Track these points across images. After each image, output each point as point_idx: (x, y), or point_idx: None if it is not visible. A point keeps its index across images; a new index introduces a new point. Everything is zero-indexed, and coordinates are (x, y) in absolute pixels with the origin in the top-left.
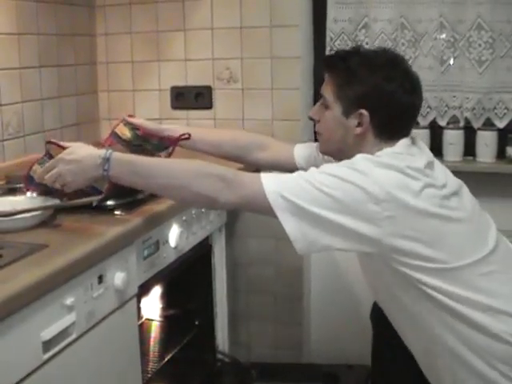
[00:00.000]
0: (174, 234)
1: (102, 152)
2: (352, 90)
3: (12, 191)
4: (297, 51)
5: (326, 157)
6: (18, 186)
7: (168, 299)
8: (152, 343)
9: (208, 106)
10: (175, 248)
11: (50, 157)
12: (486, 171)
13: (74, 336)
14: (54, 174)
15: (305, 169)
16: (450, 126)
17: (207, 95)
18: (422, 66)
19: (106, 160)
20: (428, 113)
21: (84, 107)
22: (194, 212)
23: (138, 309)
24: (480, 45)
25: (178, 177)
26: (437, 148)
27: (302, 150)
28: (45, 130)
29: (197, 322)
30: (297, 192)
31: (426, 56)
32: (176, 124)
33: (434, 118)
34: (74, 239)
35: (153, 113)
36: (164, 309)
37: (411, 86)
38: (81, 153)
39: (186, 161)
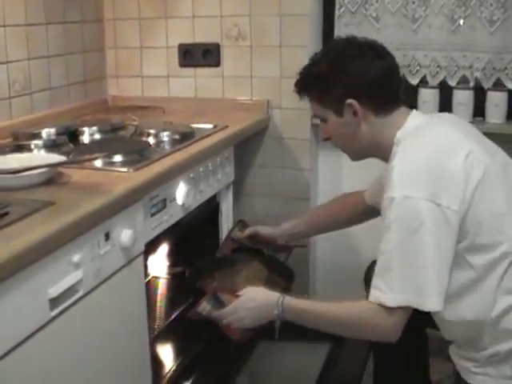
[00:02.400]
0: (181, 191)
1: (277, 300)
2: (329, 93)
3: (19, 148)
4: (305, 8)
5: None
6: (24, 143)
7: (175, 257)
8: (159, 301)
9: (216, 63)
10: (182, 206)
11: (217, 299)
12: (496, 132)
13: (80, 293)
14: (236, 319)
15: (375, 197)
16: (460, 86)
17: (215, 52)
18: (433, 25)
19: (281, 310)
20: (438, 72)
21: (91, 64)
22: (201, 170)
23: (145, 266)
24: (491, 4)
25: (344, 330)
26: (446, 108)
27: (368, 192)
28: (51, 87)
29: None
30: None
31: (437, 15)
32: (184, 81)
33: (444, 78)
34: (81, 196)
35: (160, 70)
36: (171, 267)
37: (375, 52)
38: (259, 300)
39: (350, 311)
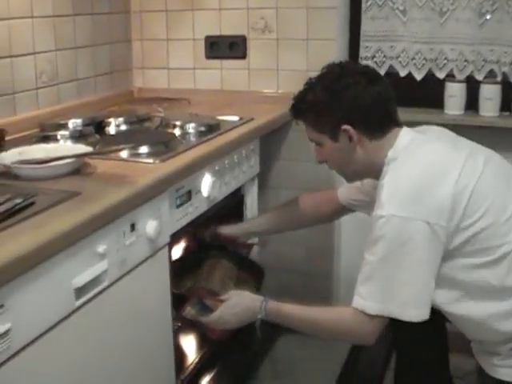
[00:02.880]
0: (206, 183)
1: (260, 305)
2: (324, 119)
3: (46, 139)
4: (333, 1)
5: (365, 181)
6: (51, 134)
7: None
8: None
9: (242, 55)
10: (207, 197)
11: (202, 304)
12: None
13: (105, 283)
14: (222, 323)
15: (353, 200)
16: (487, 80)
17: (241, 45)
18: (460, 19)
19: (264, 314)
20: (465, 67)
21: (117, 56)
22: (226, 162)
23: (170, 257)
24: None
25: (324, 333)
26: (473, 103)
27: (344, 192)
28: (78, 78)
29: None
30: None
31: (464, 9)
32: (210, 73)
33: (471, 72)
34: (107, 187)
35: (186, 62)
36: None
37: (366, 79)
38: (243, 305)
39: (330, 316)
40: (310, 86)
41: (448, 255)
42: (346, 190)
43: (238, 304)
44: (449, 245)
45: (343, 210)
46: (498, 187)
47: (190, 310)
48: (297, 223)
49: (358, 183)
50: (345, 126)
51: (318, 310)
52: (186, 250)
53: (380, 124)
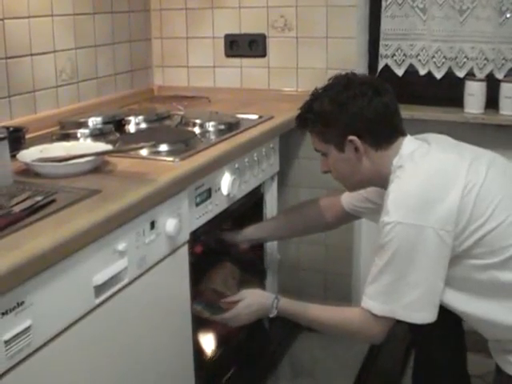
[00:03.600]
0: (226, 181)
1: (271, 303)
2: (330, 130)
3: (66, 137)
4: None
5: (368, 188)
6: (71, 131)
7: None
8: None
9: (262, 53)
10: (227, 196)
11: (209, 303)
12: None
13: (125, 281)
14: (236, 322)
15: (357, 206)
16: (507, 79)
17: (261, 43)
18: (480, 17)
19: (276, 312)
20: (485, 65)
21: (137, 54)
22: (246, 160)
23: (190, 255)
24: None
25: (334, 332)
26: (493, 101)
27: (346, 198)
28: (98, 76)
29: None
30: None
31: (485, 7)
32: (230, 71)
33: (491, 71)
34: (127, 185)
35: (206, 60)
36: None
37: (373, 90)
38: (256, 305)
39: (340, 315)
40: (317, 96)
41: (458, 257)
42: (349, 196)
43: (253, 303)
44: (457, 248)
45: (348, 216)
46: (503, 189)
47: (201, 310)
48: (299, 230)
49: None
50: (351, 137)
51: (327, 309)
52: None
53: (386, 135)
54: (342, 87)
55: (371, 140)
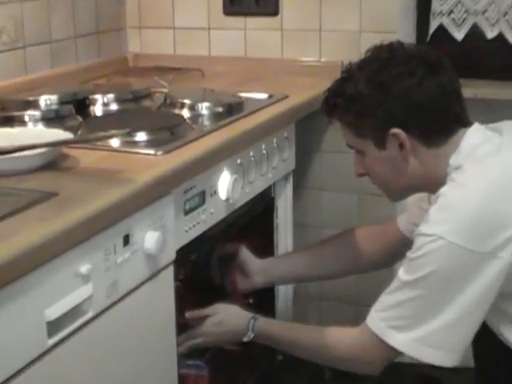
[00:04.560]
0: (224, 182)
1: (247, 323)
2: (367, 120)
3: (8, 121)
4: None
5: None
6: (15, 114)
7: None
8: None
9: (273, 11)
10: (226, 201)
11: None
12: None
13: (89, 314)
14: (202, 343)
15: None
16: None
17: None
18: None
19: (252, 335)
20: None
21: (106, 12)
22: (252, 154)
23: (176, 280)
24: None
25: (323, 357)
26: None
27: (404, 218)
28: (52, 39)
29: (251, 301)
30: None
31: None
32: (230, 34)
33: None
34: (92, 187)
35: (198, 20)
36: None
37: (425, 68)
38: (228, 324)
39: (329, 335)
40: (350, 75)
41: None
42: (409, 214)
43: (225, 322)
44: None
45: (408, 244)
46: None
47: None
48: (340, 270)
49: (422, 199)
50: (394, 130)
51: (316, 328)
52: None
53: (441, 127)
54: (383, 63)
55: (421, 134)
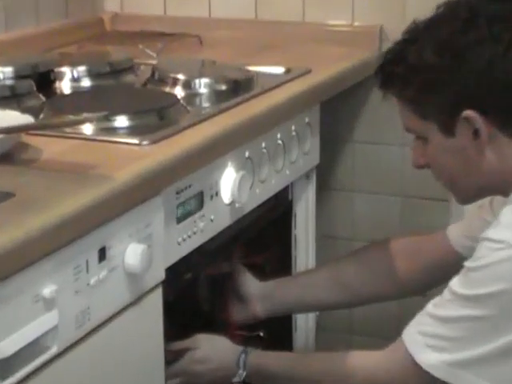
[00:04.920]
0: (229, 180)
1: (237, 359)
2: (433, 97)
3: None
4: None
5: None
6: None
7: None
8: None
9: None
10: (230, 205)
11: None
12: None
13: (53, 350)
14: (184, 381)
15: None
16: None
17: None
18: None
19: (243, 374)
20: None
21: None
22: (264, 145)
23: (165, 305)
24: None
25: None
26: None
27: (457, 229)
28: None
29: (261, 334)
30: None
31: None
32: None
33: None
34: (58, 185)
35: None
36: None
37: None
38: (215, 360)
39: (350, 363)
40: (415, 37)
41: None
42: (461, 227)
43: (208, 358)
44: None
45: (459, 263)
46: None
47: None
48: (370, 294)
49: (482, 206)
50: (467, 113)
51: (330, 356)
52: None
53: None
54: (459, 25)
55: (503, 119)
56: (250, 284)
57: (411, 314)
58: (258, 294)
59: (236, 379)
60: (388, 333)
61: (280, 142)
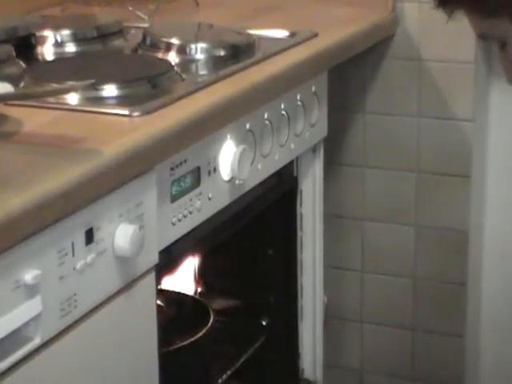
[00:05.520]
0: (228, 155)
1: None
2: None
3: None
4: None
5: None
6: None
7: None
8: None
9: None
10: (230, 182)
11: None
12: None
13: (37, 341)
14: None
15: None
16: None
17: None
18: None
19: None
20: None
21: None
22: (267, 116)
23: (158, 292)
24: None
25: None
26: None
27: None
28: None
29: (264, 323)
30: None
31: None
32: None
33: None
34: (41, 160)
35: None
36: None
37: None
38: None
39: None
40: None
41: None
42: None
43: None
44: None
45: None
46: None
47: None
48: None
49: None
50: None
51: None
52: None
53: None
54: None
55: None
56: None
57: (421, 302)
58: None
59: None
60: (399, 321)
61: (284, 112)
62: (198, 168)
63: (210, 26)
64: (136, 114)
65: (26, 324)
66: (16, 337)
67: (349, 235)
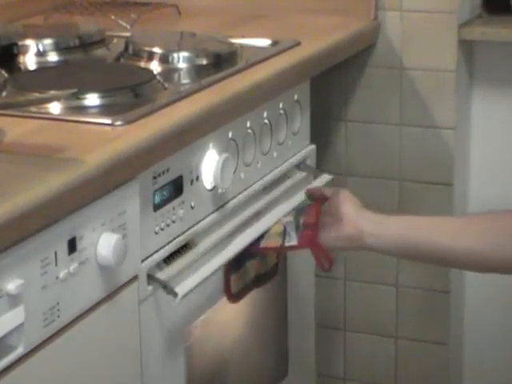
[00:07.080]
0: (210, 164)
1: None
2: None
3: None
4: None
5: None
6: None
7: None
8: None
9: None
10: (212, 191)
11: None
12: None
13: (19, 351)
14: None
15: None
16: None
17: None
18: None
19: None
20: None
21: None
22: (249, 125)
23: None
24: None
25: None
26: None
27: None
28: None
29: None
30: None
31: None
32: None
33: None
34: (23, 169)
35: None
36: None
37: None
38: None
39: None
40: None
41: None
42: None
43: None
44: None
45: None
46: None
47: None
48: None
49: None
50: None
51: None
52: None
53: None
54: None
55: None
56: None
57: (405, 310)
58: (362, 215)
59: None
60: (382, 329)
61: (266, 121)
62: (181, 177)
63: (192, 35)
64: (118, 122)
65: (9, 333)
66: None
67: None
